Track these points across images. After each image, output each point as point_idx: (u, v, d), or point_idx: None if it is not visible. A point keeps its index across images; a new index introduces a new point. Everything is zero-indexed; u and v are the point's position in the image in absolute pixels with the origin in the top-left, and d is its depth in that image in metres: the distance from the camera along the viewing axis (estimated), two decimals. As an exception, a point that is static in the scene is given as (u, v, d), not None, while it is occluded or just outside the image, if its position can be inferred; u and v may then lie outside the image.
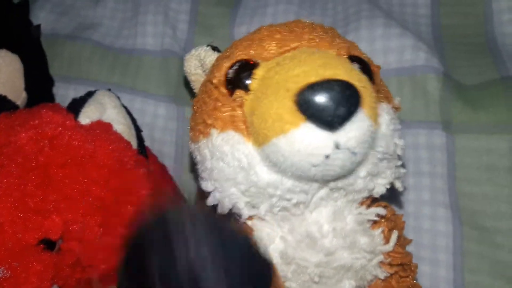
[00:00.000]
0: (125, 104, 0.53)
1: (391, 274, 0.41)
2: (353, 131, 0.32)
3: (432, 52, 0.61)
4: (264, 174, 0.36)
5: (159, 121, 0.69)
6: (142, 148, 0.50)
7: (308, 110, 0.31)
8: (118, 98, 0.51)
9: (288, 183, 0.36)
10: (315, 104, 0.31)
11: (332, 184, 0.37)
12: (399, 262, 0.41)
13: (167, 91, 0.70)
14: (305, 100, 0.31)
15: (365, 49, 0.63)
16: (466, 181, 0.57)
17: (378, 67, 0.43)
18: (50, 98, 0.70)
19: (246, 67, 0.38)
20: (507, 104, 0.56)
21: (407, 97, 0.61)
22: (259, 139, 0.35)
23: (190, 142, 0.45)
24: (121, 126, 0.48)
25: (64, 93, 0.72)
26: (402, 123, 0.60)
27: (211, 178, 0.40)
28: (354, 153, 0.33)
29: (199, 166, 0.42)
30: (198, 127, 0.42)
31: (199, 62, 0.48)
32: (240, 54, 0.40)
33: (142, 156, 0.47)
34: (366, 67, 0.39)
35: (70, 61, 0.74)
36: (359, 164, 0.36)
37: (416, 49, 0.61)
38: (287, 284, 0.39)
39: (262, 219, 0.40)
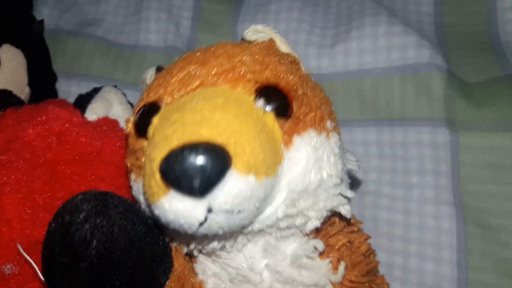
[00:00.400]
0: (129, 101, 0.53)
1: None
2: (223, 195, 0.30)
3: (435, 50, 0.61)
4: None
5: (163, 118, 0.69)
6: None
7: (168, 181, 0.29)
8: (124, 94, 0.51)
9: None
10: (172, 175, 0.29)
11: (246, 230, 0.35)
12: None
13: (171, 87, 0.70)
14: (165, 169, 0.29)
15: (368, 46, 0.64)
16: (470, 179, 0.57)
17: (299, 92, 0.37)
18: (53, 93, 0.70)
19: (149, 113, 0.35)
20: (511, 101, 0.56)
21: (410, 94, 0.61)
22: None
23: None
24: (127, 122, 0.48)
25: (66, 89, 0.72)
26: (405, 120, 0.61)
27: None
28: (235, 212, 0.31)
29: None
30: (127, 169, 0.40)
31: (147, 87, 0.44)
32: (150, 94, 0.37)
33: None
34: (278, 99, 0.35)
35: (73, 57, 0.74)
36: (261, 210, 0.33)
37: (419, 46, 0.61)
38: None
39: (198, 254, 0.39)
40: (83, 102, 0.46)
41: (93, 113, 0.45)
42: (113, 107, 0.48)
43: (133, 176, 0.37)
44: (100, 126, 0.44)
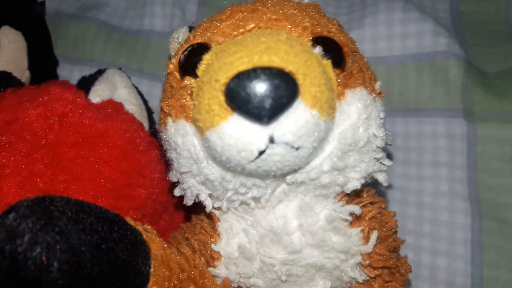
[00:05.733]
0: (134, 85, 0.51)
1: (374, 277, 0.39)
2: (289, 124, 0.29)
3: (453, 38, 0.59)
4: (215, 167, 0.34)
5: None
6: (153, 130, 0.48)
7: (235, 102, 0.28)
8: (129, 77, 0.49)
9: (239, 177, 0.34)
10: (241, 95, 0.28)
11: (289, 179, 0.34)
12: (381, 265, 0.38)
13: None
14: (232, 91, 0.28)
15: (383, 33, 0.62)
16: (488, 172, 0.55)
17: (351, 49, 0.38)
18: (54, 78, 0.69)
19: (198, 51, 0.34)
20: (532, 92, 0.54)
21: (426, 83, 0.59)
22: (198, 131, 0.33)
23: None
24: (133, 106, 0.46)
25: (68, 74, 0.70)
26: (420, 110, 0.59)
27: (174, 169, 0.38)
28: (295, 148, 0.30)
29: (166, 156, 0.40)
30: (160, 115, 0.39)
31: (179, 45, 0.45)
32: (197, 37, 0.36)
33: (154, 138, 0.45)
34: (333, 50, 0.35)
35: (75, 41, 0.72)
36: (313, 157, 0.33)
37: (436, 34, 0.59)
38: (252, 280, 0.37)
39: (227, 210, 0.38)
40: (86, 84, 0.45)
41: (97, 95, 0.44)
42: (117, 90, 0.46)
43: (169, 119, 0.36)
44: (105, 108, 0.42)
